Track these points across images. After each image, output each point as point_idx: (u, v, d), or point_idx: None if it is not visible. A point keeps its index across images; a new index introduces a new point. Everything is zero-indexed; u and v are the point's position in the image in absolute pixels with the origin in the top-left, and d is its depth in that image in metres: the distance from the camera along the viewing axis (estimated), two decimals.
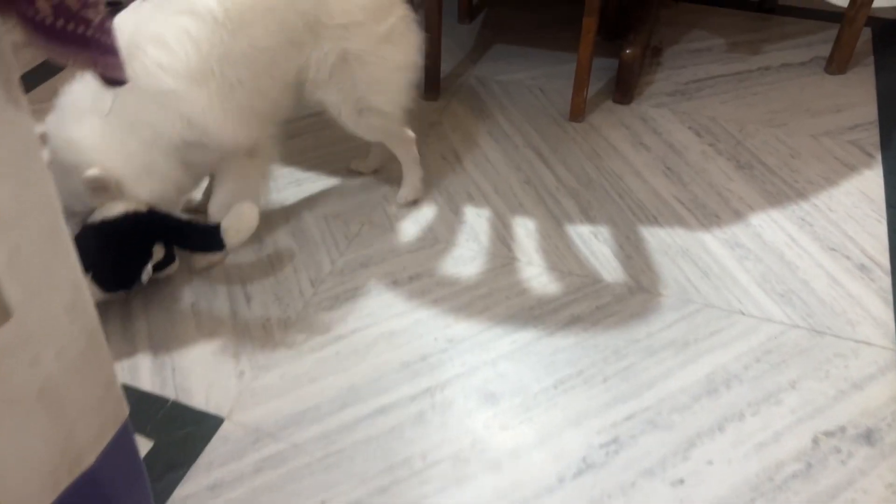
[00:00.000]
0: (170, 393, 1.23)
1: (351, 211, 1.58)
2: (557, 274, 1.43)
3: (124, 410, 0.77)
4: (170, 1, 1.24)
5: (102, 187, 1.20)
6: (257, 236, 1.52)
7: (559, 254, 1.48)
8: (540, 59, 2.08)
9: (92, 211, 1.25)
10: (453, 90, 1.96)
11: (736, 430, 1.16)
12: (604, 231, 1.53)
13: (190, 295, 1.40)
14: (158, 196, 1.28)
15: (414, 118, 1.80)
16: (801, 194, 1.60)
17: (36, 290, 0.61)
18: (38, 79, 2.00)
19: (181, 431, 1.17)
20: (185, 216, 1.34)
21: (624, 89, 1.88)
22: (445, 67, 1.99)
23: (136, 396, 1.22)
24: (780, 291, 1.39)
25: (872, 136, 1.76)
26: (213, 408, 1.20)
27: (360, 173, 1.70)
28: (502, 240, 1.51)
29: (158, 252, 1.30)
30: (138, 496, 0.84)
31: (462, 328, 1.33)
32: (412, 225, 1.55)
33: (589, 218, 1.56)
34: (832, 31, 2.03)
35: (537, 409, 1.20)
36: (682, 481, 1.10)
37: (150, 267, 1.27)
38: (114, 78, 0.62)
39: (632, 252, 1.48)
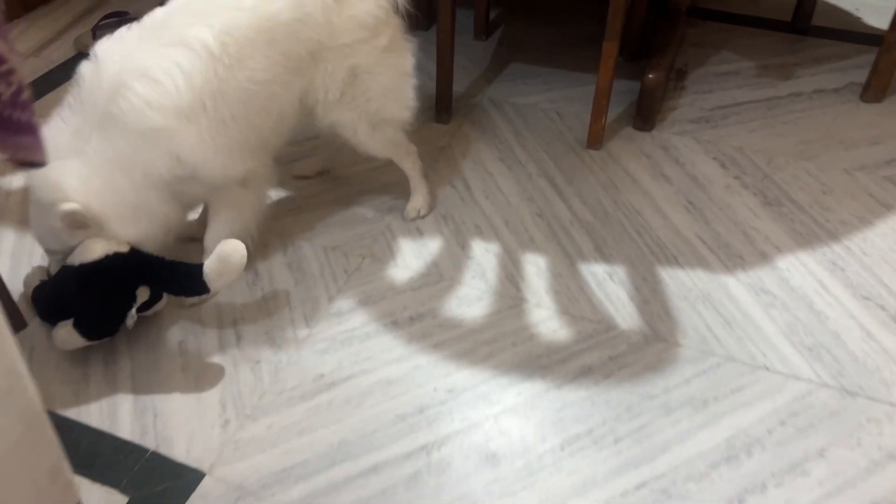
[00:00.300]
0: (150, 442, 1.15)
1: (351, 242, 1.50)
2: (569, 318, 1.34)
3: (74, 497, 0.69)
4: (158, 30, 1.17)
5: (80, 224, 1.13)
6: (252, 268, 1.44)
7: (571, 296, 1.38)
8: (558, 79, 1.98)
9: (71, 250, 1.17)
10: (465, 112, 1.87)
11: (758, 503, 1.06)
12: (619, 271, 1.43)
13: (178, 332, 1.32)
14: (144, 236, 1.21)
15: (423, 141, 1.72)
16: (833, 235, 1.50)
17: None
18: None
19: (159, 487, 1.09)
20: (166, 258, 1.25)
21: (645, 115, 1.78)
22: (458, 87, 1.90)
23: (113, 445, 1.15)
24: (809, 345, 1.28)
25: None
26: (195, 461, 1.13)
27: (305, 177, 1.66)
28: (511, 278, 1.42)
29: (143, 294, 1.22)
30: None
31: (464, 377, 1.24)
32: (416, 259, 1.46)
33: (604, 256, 1.47)
34: (869, 56, 1.91)
35: (542, 473, 1.11)
36: None
37: (134, 311, 1.20)
38: (30, 161, 0.52)
39: (649, 296, 1.38)
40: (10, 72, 0.46)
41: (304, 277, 1.42)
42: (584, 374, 1.24)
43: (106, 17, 2.11)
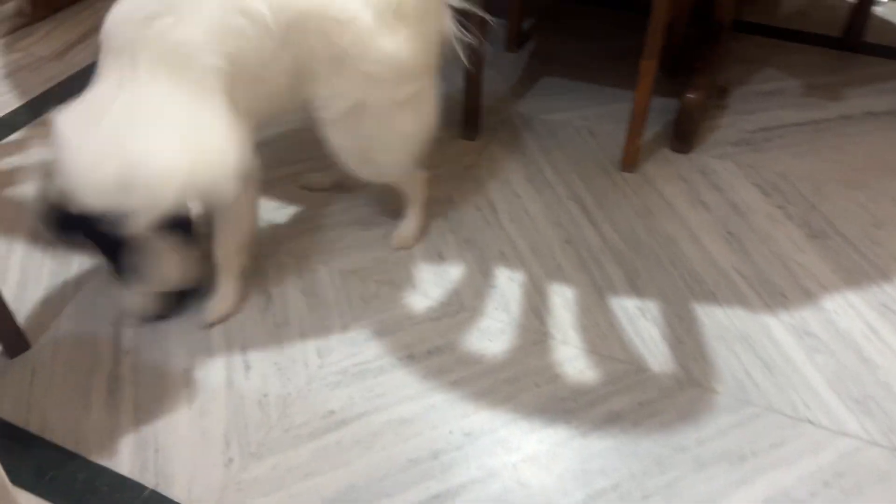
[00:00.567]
0: (149, 479, 1.09)
1: (370, 266, 1.43)
2: (596, 358, 1.26)
3: None
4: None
5: None
6: (265, 290, 1.38)
7: (600, 332, 1.30)
8: (592, 95, 1.90)
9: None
10: (494, 128, 1.79)
11: None
12: (652, 307, 1.34)
13: (185, 358, 1.26)
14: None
15: (448, 160, 1.65)
16: (884, 274, 1.39)
17: None
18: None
19: None
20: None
21: (683, 137, 1.69)
22: (487, 101, 1.83)
23: (111, 482, 1.09)
24: (857, 397, 1.19)
25: None
26: (195, 502, 1.07)
27: (321, 189, 1.60)
28: (536, 311, 1.34)
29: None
30: None
31: (482, 420, 1.17)
32: (435, 287, 1.39)
33: (636, 289, 1.38)
34: None
35: None
36: None
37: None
38: None
39: (683, 335, 1.29)
40: None
41: (318, 303, 1.36)
42: (612, 420, 1.16)
43: None
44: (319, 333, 1.30)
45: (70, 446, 1.13)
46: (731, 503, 1.05)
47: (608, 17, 2.22)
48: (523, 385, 1.22)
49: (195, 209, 1.32)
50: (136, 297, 1.29)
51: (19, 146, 1.74)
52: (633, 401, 1.19)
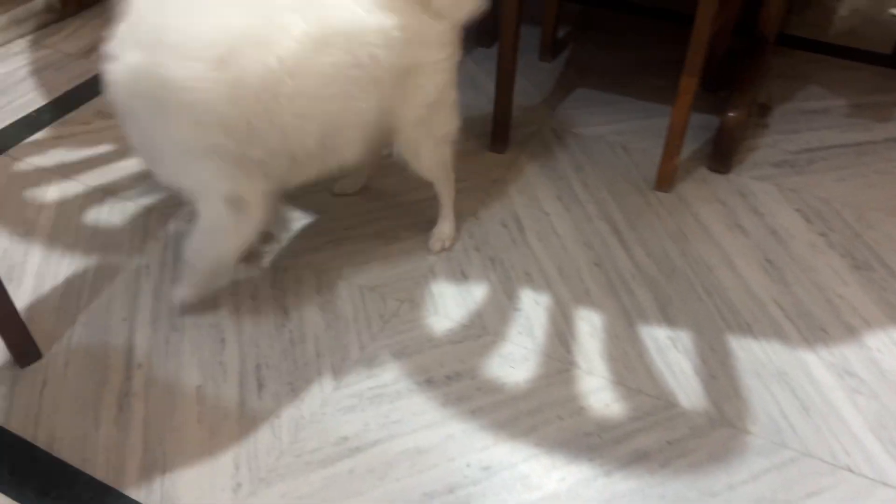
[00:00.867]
0: (155, 502, 1.06)
1: (391, 283, 1.39)
2: (623, 391, 1.20)
3: None
4: None
5: None
6: (282, 306, 1.34)
7: (628, 363, 1.24)
8: (627, 109, 1.83)
9: None
10: (523, 141, 1.73)
11: None
12: (684, 338, 1.28)
13: (198, 375, 1.23)
14: None
15: (473, 174, 1.61)
16: None
17: None
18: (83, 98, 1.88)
19: None
20: None
21: (722, 156, 1.62)
22: (517, 112, 1.77)
23: None
24: None
25: None
26: None
27: (346, 194, 1.58)
28: (561, 338, 1.29)
29: None
30: None
31: (502, 453, 1.11)
32: (458, 307, 1.34)
33: (667, 318, 1.32)
34: None
35: None
36: None
37: None
38: None
39: (717, 369, 1.23)
40: None
41: (336, 321, 1.31)
42: (638, 460, 1.10)
43: None
44: (336, 353, 1.26)
45: (77, 464, 1.10)
46: None
47: (646, 27, 2.15)
48: (546, 417, 1.16)
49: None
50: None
51: (41, 146, 1.72)
52: (661, 439, 1.13)
